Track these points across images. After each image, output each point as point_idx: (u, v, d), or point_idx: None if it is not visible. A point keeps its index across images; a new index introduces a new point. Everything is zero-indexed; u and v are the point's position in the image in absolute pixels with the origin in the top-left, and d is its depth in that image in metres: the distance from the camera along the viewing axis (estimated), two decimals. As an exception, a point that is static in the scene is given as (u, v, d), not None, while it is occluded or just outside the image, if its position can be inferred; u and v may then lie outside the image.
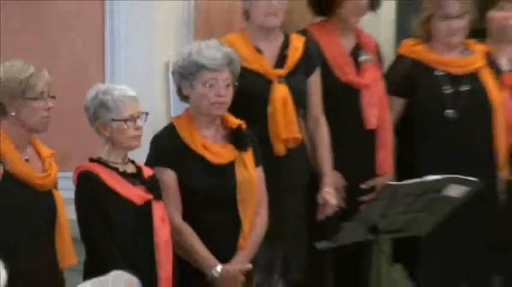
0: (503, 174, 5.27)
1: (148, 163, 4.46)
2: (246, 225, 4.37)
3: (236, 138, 4.44)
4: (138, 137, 4.14)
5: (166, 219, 4.20)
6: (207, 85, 4.18)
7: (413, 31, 5.38)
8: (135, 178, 4.18)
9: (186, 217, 4.20)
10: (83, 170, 4.03)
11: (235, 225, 4.35)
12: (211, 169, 4.34)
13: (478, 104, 5.24)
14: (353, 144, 4.92)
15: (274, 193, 4.49)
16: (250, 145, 4.49)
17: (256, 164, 4.49)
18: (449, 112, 5.11)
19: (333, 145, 4.79)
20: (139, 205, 4.05)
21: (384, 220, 4.31)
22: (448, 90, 5.18)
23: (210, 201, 4.31)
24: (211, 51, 4.30)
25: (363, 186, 4.95)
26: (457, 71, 5.21)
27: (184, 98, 4.48)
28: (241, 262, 4.34)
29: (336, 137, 4.82)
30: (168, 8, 5.41)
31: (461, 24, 5.21)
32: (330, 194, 4.70)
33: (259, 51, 4.73)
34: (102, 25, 5.54)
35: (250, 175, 4.43)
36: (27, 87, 3.80)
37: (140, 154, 4.46)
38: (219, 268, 4.31)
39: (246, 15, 4.84)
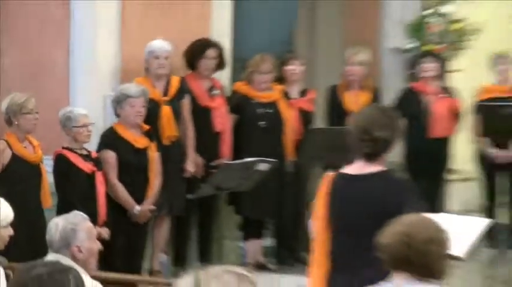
0: (289, 157, 7.37)
1: (99, 149, 6.35)
2: (151, 183, 6.44)
3: (147, 135, 6.55)
4: (89, 136, 6.15)
5: (103, 182, 6.17)
6: (132, 106, 6.29)
7: (243, 78, 7.53)
8: (87, 157, 6.15)
9: (119, 178, 6.23)
10: (58, 153, 6.05)
11: (146, 183, 6.38)
12: (134, 151, 6.41)
13: (276, 119, 7.42)
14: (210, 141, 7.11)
15: (164, 166, 6.64)
16: (154, 138, 6.63)
17: (157, 150, 6.57)
18: (261, 123, 7.31)
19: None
20: (89, 173, 6.07)
21: (224, 183, 6.58)
22: (260, 111, 7.35)
23: (133, 169, 6.38)
24: (133, 88, 6.45)
25: (212, 164, 6.99)
26: (265, 100, 7.38)
27: (117, 114, 6.51)
28: (148, 204, 6.39)
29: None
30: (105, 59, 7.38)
31: (269, 77, 7.39)
32: (190, 166, 6.95)
33: (154, 86, 6.77)
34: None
35: (155, 155, 6.52)
36: (23, 107, 5.77)
37: (92, 144, 6.41)
38: (137, 208, 6.34)
39: (146, 69, 6.87)
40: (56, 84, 7.22)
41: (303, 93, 7.72)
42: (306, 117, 7.63)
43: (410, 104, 8.01)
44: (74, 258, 3.86)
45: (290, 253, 7.67)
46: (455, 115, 8.23)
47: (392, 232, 3.17)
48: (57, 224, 4.09)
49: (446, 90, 8.21)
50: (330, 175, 4.65)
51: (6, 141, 6.20)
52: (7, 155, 6.17)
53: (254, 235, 7.56)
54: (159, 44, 6.80)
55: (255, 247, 7.51)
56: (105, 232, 6.03)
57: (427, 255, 3.10)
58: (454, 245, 3.68)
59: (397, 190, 4.36)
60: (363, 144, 4.35)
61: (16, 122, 6.01)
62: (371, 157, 4.35)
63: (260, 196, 7.07)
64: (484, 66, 8.66)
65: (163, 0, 7.83)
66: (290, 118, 7.44)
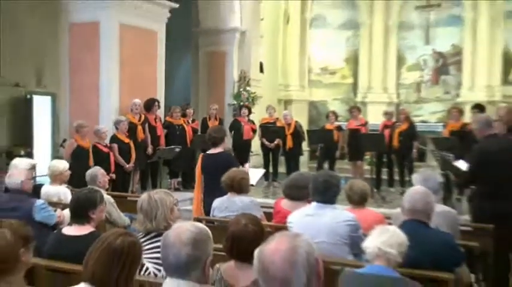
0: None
1: (110, 143, 8.14)
2: (132, 156, 8.31)
3: (129, 137, 8.59)
4: (106, 137, 8.19)
5: (113, 156, 8.17)
6: (123, 125, 8.19)
7: (168, 115, 9.54)
8: (105, 146, 8.11)
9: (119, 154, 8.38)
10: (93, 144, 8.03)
11: (130, 156, 8.29)
12: (125, 143, 8.31)
13: (184, 133, 9.55)
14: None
15: (137, 150, 8.65)
16: (132, 138, 8.54)
17: (134, 144, 8.51)
18: (178, 133, 9.83)
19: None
20: (106, 152, 8.30)
21: (162, 155, 9.29)
22: (177, 129, 9.90)
23: (124, 151, 8.28)
24: (123, 118, 8.49)
25: (157, 148, 9.24)
26: (179, 123, 9.45)
27: (116, 128, 8.21)
28: (131, 164, 8.37)
29: None
30: (114, 105, 8.96)
31: (179, 114, 9.51)
32: (149, 149, 8.79)
33: (133, 117, 8.66)
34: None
35: (132, 145, 8.53)
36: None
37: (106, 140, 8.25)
38: (127, 165, 8.30)
39: (131, 110, 8.70)
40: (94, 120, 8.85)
41: (194, 121, 10.33)
42: (195, 131, 10.13)
43: (235, 126, 10.59)
44: (99, 186, 5.15)
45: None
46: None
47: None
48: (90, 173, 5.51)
49: (251, 121, 10.80)
50: (202, 154, 6.09)
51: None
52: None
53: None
54: (136, 101, 9.02)
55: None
56: (113, 176, 7.67)
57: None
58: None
59: (226, 162, 5.48)
60: (209, 139, 5.82)
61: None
62: (215, 145, 5.77)
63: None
64: (264, 111, 11.17)
65: (134, 84, 9.26)
66: (189, 132, 9.91)
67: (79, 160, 7.80)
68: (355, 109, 11.02)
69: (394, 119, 10.60)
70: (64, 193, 5.72)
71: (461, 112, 9.37)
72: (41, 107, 10.69)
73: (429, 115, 14.83)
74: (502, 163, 4.83)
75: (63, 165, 5.87)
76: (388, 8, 15.11)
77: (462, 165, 5.39)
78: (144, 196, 3.17)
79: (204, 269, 2.22)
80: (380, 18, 15.10)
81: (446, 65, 14.78)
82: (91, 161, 7.88)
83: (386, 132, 10.00)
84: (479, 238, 4.32)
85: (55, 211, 4.69)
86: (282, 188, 4.67)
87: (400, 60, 15.19)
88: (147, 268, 2.96)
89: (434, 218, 3.49)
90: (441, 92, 14.86)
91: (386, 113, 10.60)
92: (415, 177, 4.34)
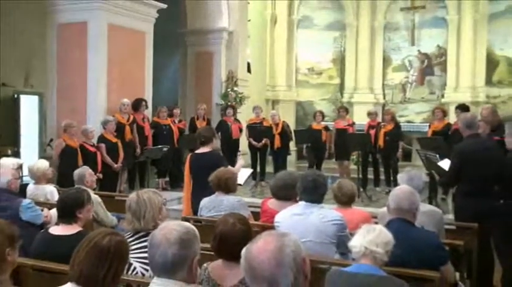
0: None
1: (98, 142, 8.00)
2: (120, 156, 8.25)
3: (116, 137, 8.59)
4: (93, 137, 8.40)
5: (100, 155, 7.99)
6: (110, 125, 8.33)
7: (155, 115, 9.47)
8: (93, 146, 8.01)
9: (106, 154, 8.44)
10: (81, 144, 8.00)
11: (117, 155, 8.25)
12: (112, 143, 8.18)
13: (171, 132, 9.68)
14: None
15: (125, 149, 8.58)
16: (120, 138, 8.55)
17: (121, 143, 8.49)
18: (164, 133, 9.92)
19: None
20: (93, 151, 8.18)
21: (149, 155, 9.29)
22: (164, 128, 9.74)
23: (112, 150, 8.16)
24: (111, 118, 8.46)
25: (144, 148, 9.28)
26: (166, 123, 9.46)
27: (104, 128, 8.10)
28: (119, 164, 8.35)
29: None
30: (102, 104, 8.83)
31: (165, 114, 9.71)
32: (138, 149, 8.78)
33: (122, 117, 8.60)
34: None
35: (120, 145, 8.39)
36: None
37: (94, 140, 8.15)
38: (115, 165, 8.23)
39: (120, 109, 8.58)
40: (82, 120, 8.65)
41: (181, 121, 10.27)
42: (181, 131, 10.12)
43: (222, 126, 10.52)
44: (86, 186, 5.15)
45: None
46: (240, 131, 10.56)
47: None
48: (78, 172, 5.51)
49: (237, 121, 10.81)
50: (190, 154, 6.10)
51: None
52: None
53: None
54: (125, 101, 8.92)
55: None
56: (100, 176, 7.54)
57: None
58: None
59: (214, 161, 5.47)
60: (199, 138, 5.88)
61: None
62: (204, 144, 5.84)
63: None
64: (251, 111, 11.17)
65: (122, 84, 9.16)
66: (176, 132, 9.87)
67: (67, 159, 7.76)
68: (342, 109, 11.02)
69: (378, 119, 10.62)
70: (51, 192, 5.69)
71: (444, 112, 9.43)
72: (28, 107, 10.77)
73: (415, 115, 14.95)
74: (482, 162, 4.86)
75: (43, 164, 5.83)
76: (374, 10, 15.22)
77: (445, 164, 5.41)
78: (133, 195, 3.15)
79: (191, 269, 2.21)
80: (366, 19, 15.22)
81: (431, 66, 14.94)
82: (79, 161, 7.80)
83: (372, 132, 10.03)
84: (463, 237, 4.35)
85: (42, 210, 4.65)
86: (270, 188, 4.64)
87: (386, 61, 15.32)
88: (134, 268, 2.94)
89: (420, 217, 3.51)
90: (426, 93, 15.01)
91: (370, 113, 10.59)
92: (400, 176, 4.36)
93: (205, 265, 2.86)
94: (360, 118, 12.24)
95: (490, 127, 5.70)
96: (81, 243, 2.33)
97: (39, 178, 5.76)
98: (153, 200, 3.07)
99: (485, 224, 4.69)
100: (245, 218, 3.08)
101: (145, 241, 2.87)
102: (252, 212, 4.99)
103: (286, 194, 4.38)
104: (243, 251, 1.75)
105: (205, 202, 4.91)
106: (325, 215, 3.72)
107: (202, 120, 10.46)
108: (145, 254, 2.50)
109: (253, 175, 9.48)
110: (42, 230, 3.79)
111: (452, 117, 9.65)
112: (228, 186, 4.79)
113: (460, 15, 14.38)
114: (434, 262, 3.26)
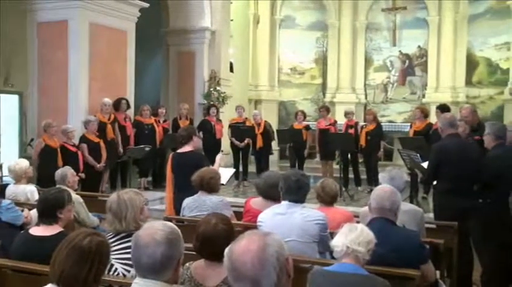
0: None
1: (79, 143, 7.89)
2: (103, 155, 8.21)
3: (99, 137, 8.47)
4: (74, 137, 8.14)
5: (81, 155, 7.90)
6: (92, 125, 7.99)
7: (138, 114, 9.48)
8: (74, 146, 7.84)
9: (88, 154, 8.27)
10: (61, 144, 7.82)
11: (100, 155, 8.11)
12: (94, 143, 8.08)
13: (153, 131, 9.55)
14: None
15: (108, 149, 8.52)
16: (102, 137, 8.37)
17: (104, 143, 8.28)
18: (146, 132, 9.87)
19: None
20: (75, 151, 7.82)
21: (131, 154, 9.41)
22: (147, 127, 9.69)
23: (94, 150, 8.07)
24: (93, 117, 8.37)
25: (126, 147, 9.35)
26: (148, 122, 9.37)
27: (86, 128, 7.99)
28: (102, 164, 8.21)
29: None
30: (84, 104, 8.71)
31: (148, 112, 9.39)
32: (119, 148, 8.68)
33: (103, 117, 8.50)
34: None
35: (102, 144, 8.30)
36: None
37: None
38: (97, 165, 8.08)
39: (101, 109, 8.46)
40: (63, 119, 8.57)
41: (165, 121, 10.18)
42: (166, 130, 9.97)
43: (205, 125, 10.43)
44: (68, 186, 5.05)
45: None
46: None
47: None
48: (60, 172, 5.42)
49: (219, 121, 10.73)
50: (172, 153, 6.06)
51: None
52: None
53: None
54: (106, 100, 8.83)
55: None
56: (82, 176, 7.48)
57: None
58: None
59: (196, 161, 5.48)
60: (178, 138, 5.96)
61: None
62: (184, 144, 5.80)
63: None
64: (233, 110, 11.10)
65: (104, 83, 9.05)
66: (160, 131, 9.83)
67: (47, 159, 7.70)
68: (323, 109, 11.02)
69: (355, 119, 10.67)
70: (31, 192, 5.66)
71: (424, 112, 9.47)
72: (9, 106, 10.65)
73: (396, 115, 15.10)
74: (460, 161, 4.91)
75: (24, 163, 5.80)
76: (355, 10, 15.32)
77: (424, 164, 5.48)
78: (113, 196, 3.09)
79: (176, 269, 2.20)
80: (348, 20, 15.33)
81: (412, 66, 15.10)
82: (60, 161, 7.74)
83: (351, 132, 10.08)
84: (443, 235, 4.38)
85: (22, 211, 4.62)
86: (259, 187, 4.58)
87: (368, 62, 15.46)
88: (115, 269, 2.91)
89: (401, 216, 3.53)
90: (407, 93, 15.17)
91: (347, 113, 10.59)
92: (382, 176, 4.38)
93: (187, 264, 2.84)
94: (342, 118, 12.04)
95: (470, 127, 5.74)
96: (62, 244, 2.31)
97: (19, 177, 5.70)
98: (134, 200, 3.03)
99: (463, 222, 4.74)
100: (228, 218, 3.07)
101: (127, 241, 2.85)
102: (234, 211, 4.98)
103: (275, 194, 4.30)
104: (226, 251, 1.74)
105: (187, 201, 4.88)
106: (308, 214, 3.73)
107: (185, 119, 10.41)
108: (127, 255, 2.52)
109: (235, 175, 9.49)
110: (22, 231, 3.74)
111: (434, 118, 9.71)
112: (211, 186, 4.76)
113: (440, 16, 14.56)
114: (415, 260, 3.28)
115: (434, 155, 5.09)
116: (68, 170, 5.48)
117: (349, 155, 10.11)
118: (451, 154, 4.97)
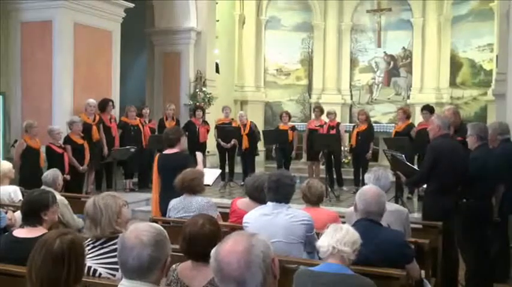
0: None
1: (64, 143, 7.85)
2: (86, 158, 8.19)
3: (83, 138, 8.41)
4: (60, 138, 7.80)
5: (66, 157, 7.77)
6: (77, 125, 8.00)
7: (124, 115, 9.60)
8: (59, 147, 7.75)
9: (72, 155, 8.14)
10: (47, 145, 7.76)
11: (84, 157, 8.13)
12: (78, 144, 8.03)
13: (139, 132, 9.69)
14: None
15: (91, 150, 8.49)
16: (87, 139, 8.35)
17: (88, 144, 8.33)
18: (133, 133, 9.78)
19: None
20: (60, 153, 7.79)
21: (116, 156, 9.10)
22: (133, 129, 9.55)
23: (78, 152, 8.00)
24: (77, 118, 8.24)
25: (112, 149, 9.24)
26: (135, 123, 9.57)
27: (70, 129, 7.90)
28: (85, 165, 8.19)
29: None
30: (68, 105, 8.63)
31: (135, 114, 9.51)
32: (104, 150, 8.63)
33: (88, 118, 8.51)
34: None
35: (87, 146, 8.28)
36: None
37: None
38: (81, 167, 8.03)
39: (85, 109, 8.42)
40: (47, 120, 8.61)
41: (151, 121, 10.22)
42: (152, 131, 9.97)
43: (190, 127, 10.41)
44: (57, 189, 5.27)
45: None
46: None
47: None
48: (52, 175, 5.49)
49: (205, 123, 10.79)
50: (158, 154, 6.10)
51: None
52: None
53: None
54: (91, 101, 8.83)
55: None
56: (68, 177, 7.51)
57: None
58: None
59: (182, 162, 5.41)
60: (166, 140, 5.92)
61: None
62: (171, 146, 5.80)
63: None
64: (219, 111, 11.18)
65: (88, 84, 9.04)
66: (146, 132, 9.86)
67: (29, 160, 7.66)
68: (318, 109, 10.94)
69: (337, 119, 10.71)
70: (14, 191, 5.61)
71: (406, 113, 9.49)
72: (-9, 107, 10.52)
73: (381, 116, 15.19)
74: (452, 161, 4.96)
75: (6, 165, 5.79)
76: (341, 11, 15.41)
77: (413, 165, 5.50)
78: (90, 201, 3.06)
79: (163, 270, 2.20)
80: (333, 21, 15.40)
81: (397, 67, 15.21)
82: (42, 162, 7.69)
83: (333, 132, 10.10)
84: (429, 235, 4.42)
85: (6, 213, 4.57)
86: (247, 187, 4.58)
87: (353, 63, 15.54)
88: (100, 274, 2.88)
89: (386, 216, 3.54)
90: (392, 94, 15.28)
91: (329, 113, 10.53)
92: (367, 176, 4.40)
93: (174, 266, 2.83)
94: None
95: (453, 128, 5.76)
96: (35, 249, 2.28)
97: (2, 178, 5.66)
98: (109, 205, 2.99)
99: (450, 221, 4.79)
100: (214, 219, 3.07)
101: (109, 246, 2.86)
102: (221, 212, 4.98)
103: (260, 195, 4.29)
104: (213, 252, 1.74)
105: (174, 203, 4.87)
106: (294, 215, 3.73)
107: (171, 120, 10.44)
108: (111, 259, 2.56)
109: (221, 176, 9.49)
110: (6, 233, 3.71)
111: (418, 118, 9.70)
112: (192, 187, 4.72)
113: (424, 18, 14.70)
114: (400, 260, 3.30)
115: (431, 155, 5.09)
116: (59, 174, 5.50)
117: (332, 156, 10.11)
118: (446, 153, 5.00)
